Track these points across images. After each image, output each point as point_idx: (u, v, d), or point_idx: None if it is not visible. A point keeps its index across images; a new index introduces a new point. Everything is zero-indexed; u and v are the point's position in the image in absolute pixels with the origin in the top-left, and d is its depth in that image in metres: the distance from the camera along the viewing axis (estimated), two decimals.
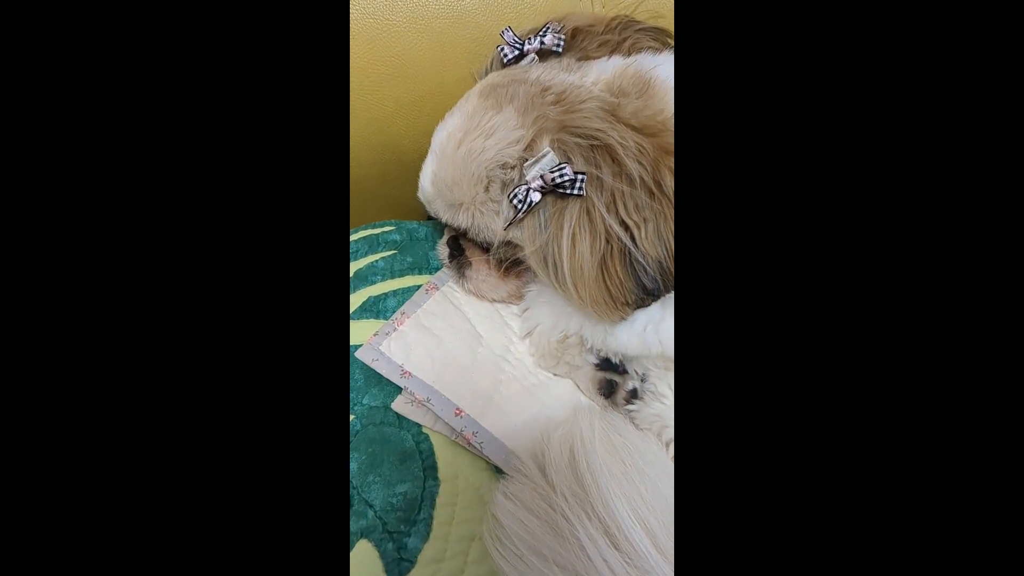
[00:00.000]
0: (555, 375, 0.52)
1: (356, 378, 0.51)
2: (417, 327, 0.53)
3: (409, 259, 0.59)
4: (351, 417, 0.50)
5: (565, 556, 0.38)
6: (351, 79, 0.58)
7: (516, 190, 0.46)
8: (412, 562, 0.43)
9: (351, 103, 0.59)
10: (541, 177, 0.45)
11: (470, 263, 0.54)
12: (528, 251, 0.47)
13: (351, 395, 0.51)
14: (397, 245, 0.60)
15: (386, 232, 0.61)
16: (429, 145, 0.57)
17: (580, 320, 0.48)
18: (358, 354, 0.52)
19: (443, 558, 0.43)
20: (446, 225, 0.53)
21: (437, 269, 0.59)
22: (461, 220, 0.49)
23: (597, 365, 0.50)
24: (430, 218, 0.67)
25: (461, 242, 0.54)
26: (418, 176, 0.62)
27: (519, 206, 0.45)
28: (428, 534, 0.44)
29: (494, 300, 0.55)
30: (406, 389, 0.50)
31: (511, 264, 0.52)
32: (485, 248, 0.51)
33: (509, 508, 0.42)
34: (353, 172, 0.63)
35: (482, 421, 0.48)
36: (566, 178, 0.44)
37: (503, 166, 0.46)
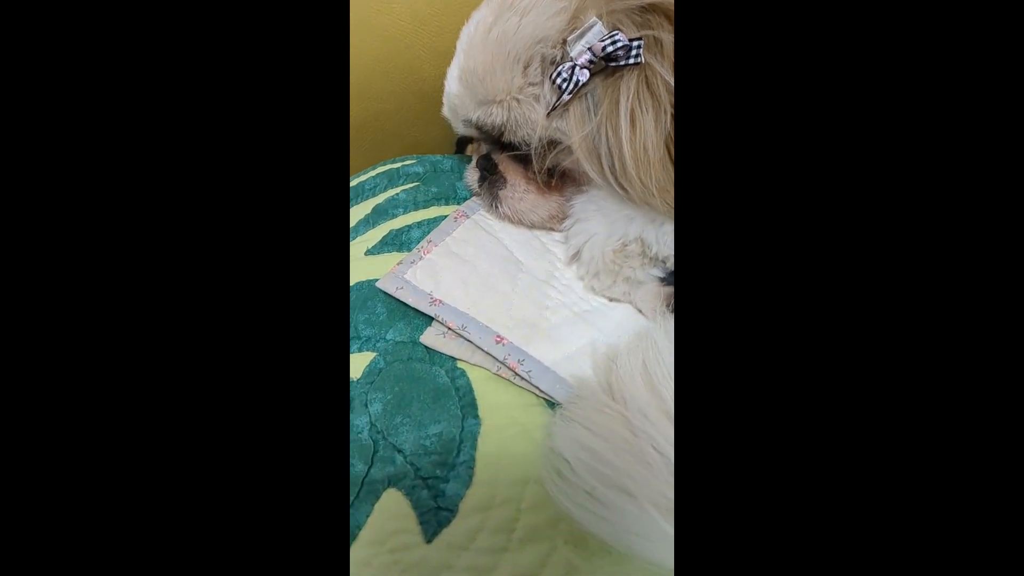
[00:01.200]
0: (611, 300, 0.44)
1: (378, 312, 0.44)
2: (446, 254, 0.46)
3: (434, 189, 0.52)
4: (372, 355, 0.42)
5: (654, 483, 0.29)
6: None
7: (560, 68, 0.39)
8: (452, 511, 0.35)
9: (360, 17, 0.53)
10: (589, 50, 0.38)
11: (505, 181, 0.47)
12: (575, 142, 0.40)
13: (372, 331, 0.43)
14: (420, 177, 0.53)
15: (407, 165, 0.55)
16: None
17: (642, 221, 0.40)
18: (380, 284, 0.44)
19: (491, 505, 0.35)
20: (478, 132, 0.46)
21: (465, 199, 0.52)
22: (495, 116, 0.42)
23: (663, 279, 0.42)
24: (459, 148, 0.60)
25: (494, 158, 0.47)
26: (440, 111, 0.55)
27: (564, 86, 0.39)
28: (470, 479, 0.36)
29: (533, 224, 0.48)
30: (437, 318, 0.42)
31: (551, 174, 0.45)
32: (523, 155, 0.44)
33: (572, 435, 0.33)
34: (368, 107, 0.57)
35: (528, 349, 0.40)
36: (619, 45, 0.37)
37: (543, 41, 0.39)
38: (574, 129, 0.39)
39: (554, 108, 0.39)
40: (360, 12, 0.52)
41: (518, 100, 0.41)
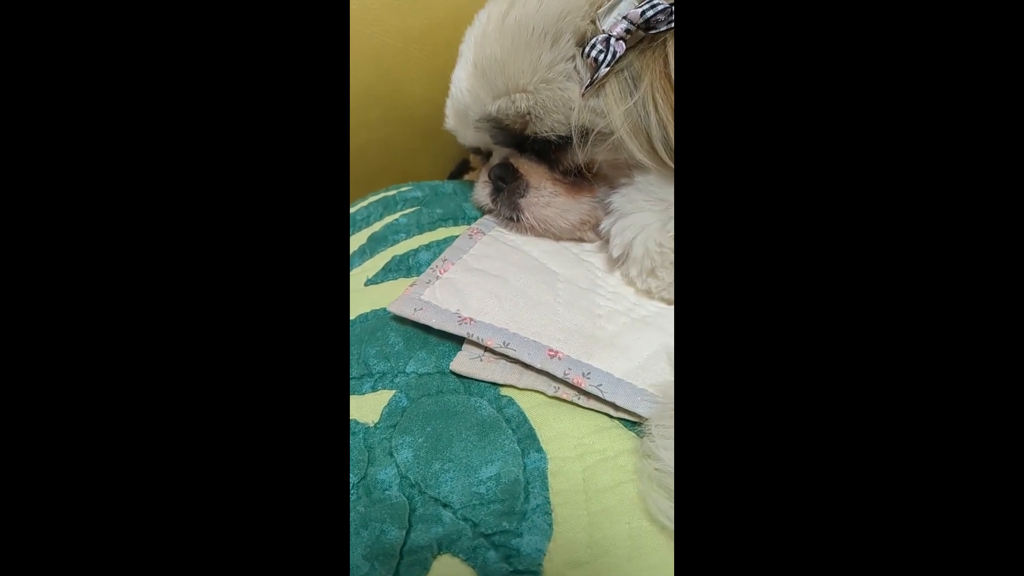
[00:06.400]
0: (670, 303, 0.37)
1: (392, 342, 0.36)
2: (467, 271, 0.39)
3: (439, 210, 0.46)
4: (391, 393, 0.34)
5: None
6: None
7: (594, 41, 0.35)
8: (536, 573, 0.25)
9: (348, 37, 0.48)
10: (625, 18, 0.34)
11: (527, 186, 0.42)
12: (616, 120, 0.35)
13: (388, 365, 0.35)
14: (420, 201, 0.47)
15: (404, 191, 0.49)
16: (443, 92, 0.47)
17: None
18: (392, 308, 0.37)
19: (585, 559, 0.25)
20: (494, 131, 0.40)
21: (476, 220, 0.46)
22: (520, 104, 0.37)
23: None
24: (455, 175, 0.55)
25: (512, 162, 0.42)
26: (432, 142, 0.51)
27: (600, 58, 0.34)
28: (550, 526, 0.27)
29: (561, 231, 0.42)
30: (470, 338, 0.34)
31: (579, 172, 0.40)
32: (547, 152, 0.39)
33: None
34: (355, 137, 0.52)
35: (592, 361, 0.32)
36: (659, 8, 0.33)
37: (572, 13, 0.36)
38: (614, 106, 0.35)
39: (591, 83, 0.35)
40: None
41: (547, 81, 0.36)
